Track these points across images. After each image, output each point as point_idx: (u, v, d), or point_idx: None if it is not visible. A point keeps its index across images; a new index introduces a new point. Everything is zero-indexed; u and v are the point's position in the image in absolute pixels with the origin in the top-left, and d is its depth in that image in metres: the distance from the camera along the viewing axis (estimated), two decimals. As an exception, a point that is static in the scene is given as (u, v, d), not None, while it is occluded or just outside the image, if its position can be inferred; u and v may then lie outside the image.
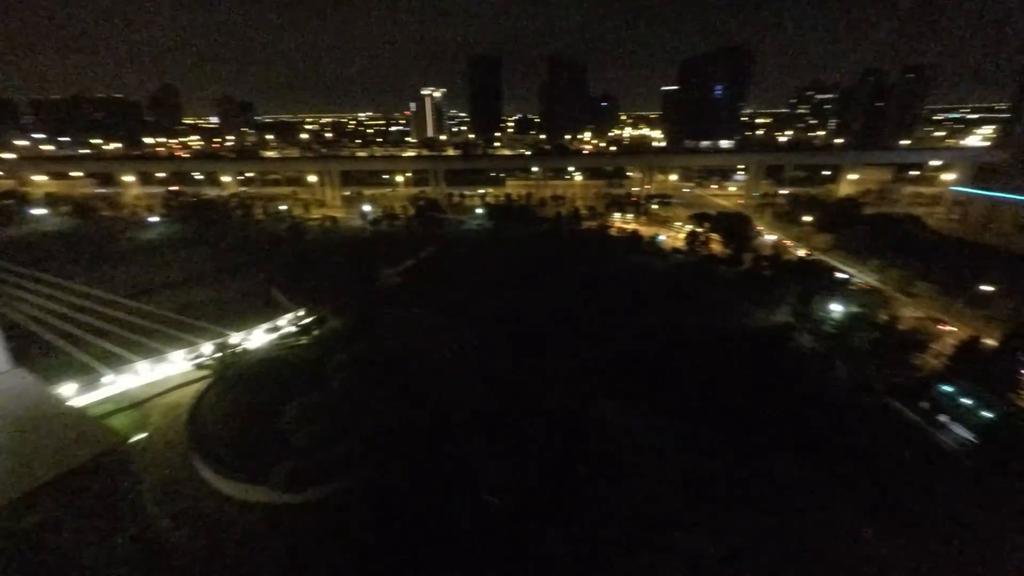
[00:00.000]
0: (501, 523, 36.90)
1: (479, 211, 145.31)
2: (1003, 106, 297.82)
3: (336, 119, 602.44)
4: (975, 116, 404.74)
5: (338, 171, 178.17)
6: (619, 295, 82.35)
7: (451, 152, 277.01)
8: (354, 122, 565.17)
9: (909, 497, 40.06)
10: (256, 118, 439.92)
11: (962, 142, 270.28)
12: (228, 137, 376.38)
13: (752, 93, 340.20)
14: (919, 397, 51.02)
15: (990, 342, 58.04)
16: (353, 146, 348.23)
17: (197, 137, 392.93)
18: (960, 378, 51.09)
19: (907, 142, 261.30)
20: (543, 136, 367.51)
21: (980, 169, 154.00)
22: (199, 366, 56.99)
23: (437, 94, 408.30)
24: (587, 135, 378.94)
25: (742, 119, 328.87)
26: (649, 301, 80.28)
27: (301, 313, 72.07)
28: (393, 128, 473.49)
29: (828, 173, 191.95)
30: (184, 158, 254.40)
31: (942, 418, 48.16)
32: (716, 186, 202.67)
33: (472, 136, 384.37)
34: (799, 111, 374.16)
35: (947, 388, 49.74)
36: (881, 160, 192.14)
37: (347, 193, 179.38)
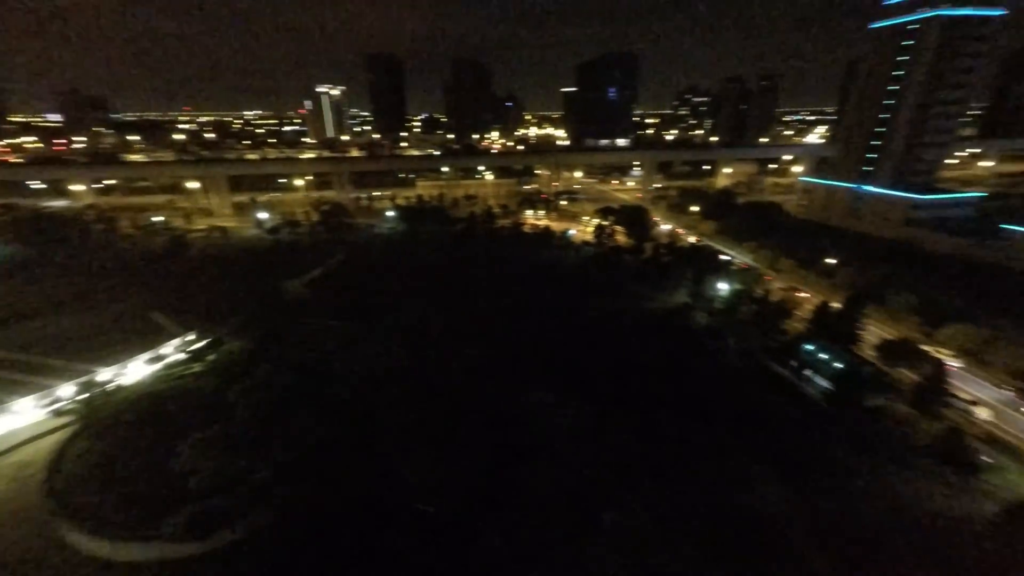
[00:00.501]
0: (437, 530, 36.29)
1: (390, 214, 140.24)
2: (831, 110, 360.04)
3: (218, 118, 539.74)
4: (813, 118, 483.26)
5: (225, 176, 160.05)
6: (537, 289, 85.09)
7: (356, 153, 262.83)
8: (240, 121, 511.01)
9: (787, 441, 47.03)
10: (113, 116, 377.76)
11: (805, 140, 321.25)
12: (77, 138, 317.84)
13: (642, 96, 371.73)
14: (789, 356, 59.94)
15: (836, 305, 70.03)
16: (241, 148, 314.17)
17: (33, 138, 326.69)
18: (817, 337, 60.99)
19: (766, 140, 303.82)
20: (451, 136, 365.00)
21: (820, 162, 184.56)
22: (57, 412, 47.90)
23: (335, 92, 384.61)
24: (495, 135, 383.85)
25: (634, 119, 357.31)
26: (565, 293, 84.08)
27: (191, 337, 63.84)
28: (287, 128, 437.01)
29: (708, 168, 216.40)
30: (15, 163, 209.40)
31: (807, 372, 57.13)
32: (617, 181, 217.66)
33: (377, 136, 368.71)
34: (681, 112, 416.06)
35: (809, 346, 59.02)
36: (747, 156, 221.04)
37: (238, 200, 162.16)
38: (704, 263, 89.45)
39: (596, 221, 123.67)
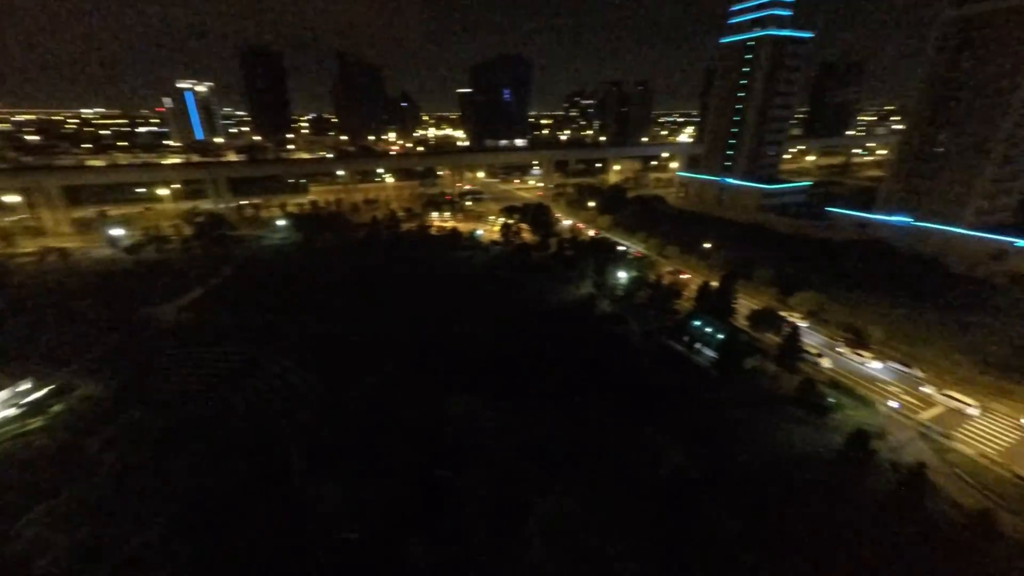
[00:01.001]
0: (365, 557, 34.15)
1: (281, 223, 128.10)
2: (696, 112, 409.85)
3: (44, 116, 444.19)
4: (682, 120, 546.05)
5: (58, 187, 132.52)
6: (448, 292, 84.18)
7: (233, 157, 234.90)
8: (76, 121, 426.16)
9: (686, 408, 52.62)
10: None
11: (678, 139, 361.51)
12: None
13: (535, 98, 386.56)
14: (681, 333, 67.04)
15: (714, 283, 79.97)
16: (81, 152, 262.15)
17: None
18: (702, 312, 69.08)
19: (646, 139, 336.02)
20: (344, 137, 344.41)
21: (691, 158, 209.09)
22: None
23: (201, 88, 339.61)
24: (392, 135, 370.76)
25: (530, 120, 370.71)
26: (477, 293, 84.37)
27: (25, 387, 51.98)
28: (143, 129, 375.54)
29: (599, 165, 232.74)
30: None
31: (697, 345, 64.42)
32: (518, 180, 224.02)
33: (258, 138, 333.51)
34: (571, 114, 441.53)
35: (696, 322, 66.58)
36: (632, 154, 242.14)
37: (81, 215, 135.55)
38: (604, 255, 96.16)
39: (502, 220, 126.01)
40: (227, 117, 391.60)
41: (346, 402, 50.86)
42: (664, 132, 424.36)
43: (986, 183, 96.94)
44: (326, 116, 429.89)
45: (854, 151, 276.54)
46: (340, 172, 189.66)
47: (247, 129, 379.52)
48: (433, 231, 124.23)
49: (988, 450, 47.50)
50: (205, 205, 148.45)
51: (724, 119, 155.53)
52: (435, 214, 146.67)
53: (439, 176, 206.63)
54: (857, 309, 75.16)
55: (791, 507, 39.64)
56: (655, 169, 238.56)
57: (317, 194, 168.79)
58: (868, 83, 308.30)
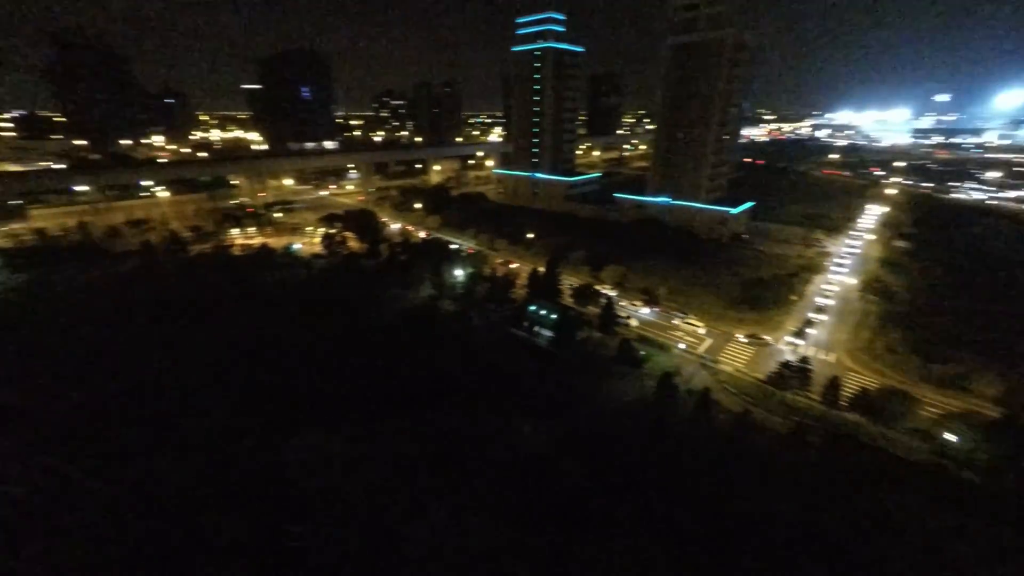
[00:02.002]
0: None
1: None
2: (500, 113, 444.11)
3: None
4: (490, 120, 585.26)
5: None
6: (268, 317, 72.56)
7: None
8: None
9: (537, 388, 56.98)
10: None
11: (489, 138, 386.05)
12: None
13: (340, 97, 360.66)
14: (521, 319, 72.15)
15: (541, 269, 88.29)
16: None
17: None
18: (536, 297, 75.60)
19: (460, 139, 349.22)
20: (82, 142, 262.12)
21: (504, 156, 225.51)
22: None
23: None
24: (159, 139, 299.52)
25: (338, 121, 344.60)
26: (305, 314, 74.94)
27: None
28: None
29: (420, 166, 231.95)
30: None
31: (536, 328, 70.24)
32: (335, 186, 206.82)
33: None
34: (382, 114, 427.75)
35: (532, 307, 72.49)
36: (449, 153, 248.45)
37: None
38: (438, 255, 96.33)
39: (322, 230, 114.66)
40: None
41: (170, 460, 39.27)
42: (476, 132, 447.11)
43: (708, 170, 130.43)
44: (45, 115, 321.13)
45: (625, 147, 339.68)
46: (83, 188, 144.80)
47: None
48: (237, 251, 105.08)
49: (740, 365, 64.59)
50: None
51: (526, 120, 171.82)
52: (236, 231, 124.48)
53: (234, 186, 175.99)
54: (648, 275, 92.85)
55: (625, 449, 46.76)
56: (473, 168, 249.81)
57: (45, 219, 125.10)
58: (627, 91, 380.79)
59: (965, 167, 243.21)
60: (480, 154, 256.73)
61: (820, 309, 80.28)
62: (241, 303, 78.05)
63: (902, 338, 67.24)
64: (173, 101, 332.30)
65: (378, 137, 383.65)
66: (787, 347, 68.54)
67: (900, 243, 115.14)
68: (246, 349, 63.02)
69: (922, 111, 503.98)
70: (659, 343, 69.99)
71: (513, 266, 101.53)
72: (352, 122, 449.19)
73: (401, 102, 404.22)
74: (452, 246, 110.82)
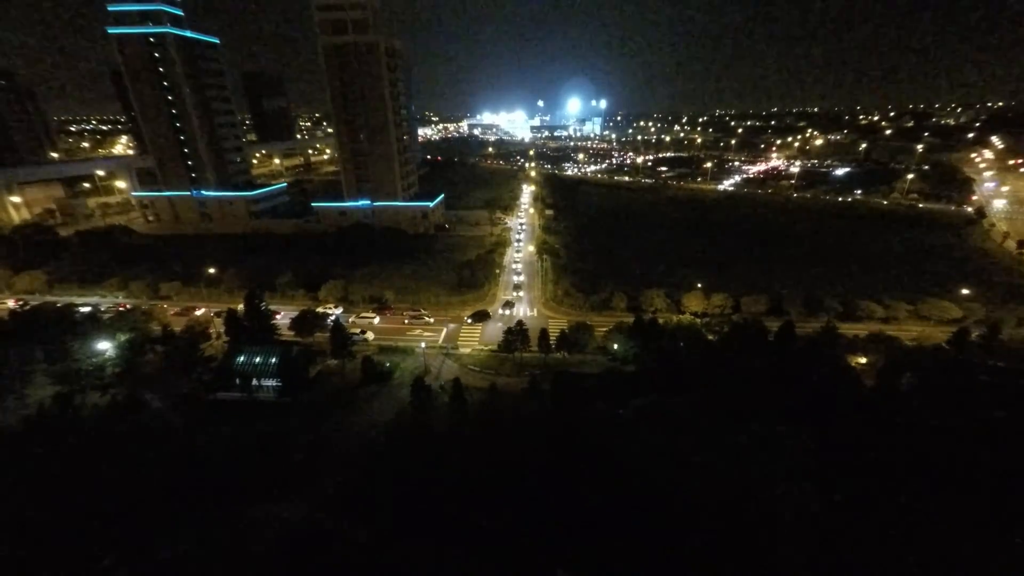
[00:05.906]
0: None
1: None
2: (121, 117, 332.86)
3: None
4: (108, 127, 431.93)
5: None
6: None
7: None
8: None
9: (271, 455, 45.80)
10: None
11: (114, 151, 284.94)
12: None
13: None
14: (229, 377, 56.13)
15: (239, 307, 71.12)
16: None
17: None
18: (240, 343, 60.29)
19: (56, 155, 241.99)
20: None
21: (145, 173, 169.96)
22: None
23: None
24: None
25: None
26: None
27: None
28: None
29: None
30: None
31: (254, 382, 56.17)
32: None
33: None
34: None
35: (239, 357, 57.45)
36: (41, 176, 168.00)
37: None
38: (56, 328, 63.60)
39: None
40: None
41: None
42: (85, 144, 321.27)
43: (400, 168, 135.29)
44: None
45: (310, 151, 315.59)
46: None
47: None
48: None
49: (475, 344, 70.68)
50: None
51: (163, 126, 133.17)
52: None
53: None
54: (371, 282, 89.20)
55: (383, 471, 43.18)
56: (92, 193, 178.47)
57: None
58: (299, 93, 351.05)
59: (566, 151, 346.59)
60: (101, 173, 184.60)
61: (517, 274, 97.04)
62: None
63: (571, 284, 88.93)
64: None
65: None
66: (503, 315, 79.56)
67: (549, 212, 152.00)
68: None
69: (533, 113, 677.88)
70: (402, 348, 68.55)
71: (198, 312, 78.68)
72: None
73: None
74: (82, 309, 75.84)
